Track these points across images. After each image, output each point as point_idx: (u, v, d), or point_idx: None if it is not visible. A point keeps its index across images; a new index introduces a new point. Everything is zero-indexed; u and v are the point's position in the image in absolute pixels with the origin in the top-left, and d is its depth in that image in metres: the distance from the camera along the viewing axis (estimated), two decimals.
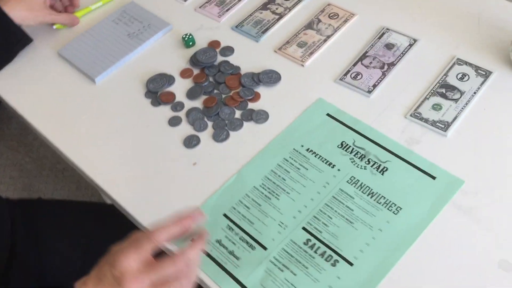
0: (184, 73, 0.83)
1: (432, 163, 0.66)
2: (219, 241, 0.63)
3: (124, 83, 0.83)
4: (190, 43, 0.86)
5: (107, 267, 0.51)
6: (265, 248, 0.62)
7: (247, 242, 0.63)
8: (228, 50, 0.85)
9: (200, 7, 0.93)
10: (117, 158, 0.74)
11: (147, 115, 0.78)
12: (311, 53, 0.82)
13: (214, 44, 0.86)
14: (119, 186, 0.71)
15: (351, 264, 0.59)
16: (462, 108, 0.71)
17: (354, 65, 0.79)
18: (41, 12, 0.85)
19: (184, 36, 0.86)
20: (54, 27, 0.90)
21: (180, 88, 0.81)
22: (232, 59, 0.83)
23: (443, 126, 0.69)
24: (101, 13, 0.93)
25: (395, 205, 0.63)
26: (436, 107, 0.71)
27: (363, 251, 0.60)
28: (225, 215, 0.65)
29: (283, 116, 0.75)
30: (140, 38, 0.88)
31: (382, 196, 0.64)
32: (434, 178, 0.65)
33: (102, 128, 0.77)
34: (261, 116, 0.75)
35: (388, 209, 0.63)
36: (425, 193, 0.63)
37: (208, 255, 0.62)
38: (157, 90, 0.80)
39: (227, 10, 0.91)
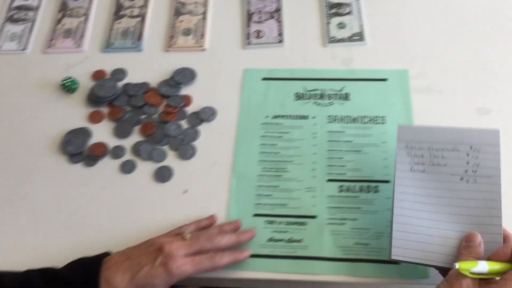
0: (94, 118, 0.72)
1: (374, 69, 0.73)
2: (271, 239, 0.61)
3: (34, 161, 0.68)
4: (75, 86, 0.75)
5: (143, 244, 0.56)
6: (314, 217, 0.62)
7: (295, 223, 0.62)
8: (120, 73, 0.76)
9: (48, 48, 0.80)
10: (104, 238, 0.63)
11: (92, 179, 0.67)
12: (202, 35, 0.79)
13: (100, 75, 0.76)
14: None
15: (388, 181, 0.63)
16: (359, 17, 0.78)
17: (248, 26, 0.79)
18: None
19: (63, 82, 0.74)
20: None
21: (103, 134, 0.71)
22: (132, 79, 0.76)
23: (358, 37, 0.76)
24: None
25: (378, 116, 0.68)
26: (341, 25, 0.78)
27: (388, 166, 0.64)
28: (256, 215, 0.62)
29: (227, 101, 0.72)
30: None
31: (363, 116, 0.69)
32: (385, 80, 0.72)
33: (53, 222, 0.64)
34: (208, 113, 0.71)
35: (375, 123, 0.68)
36: (389, 94, 0.70)
37: (277, 256, 0.59)
38: (80, 149, 0.69)
39: (81, 37, 0.81)
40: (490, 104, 0.69)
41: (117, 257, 0.54)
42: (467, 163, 0.55)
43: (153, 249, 0.54)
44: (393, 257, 0.54)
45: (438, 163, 0.55)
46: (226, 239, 0.57)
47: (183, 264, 0.53)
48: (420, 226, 0.54)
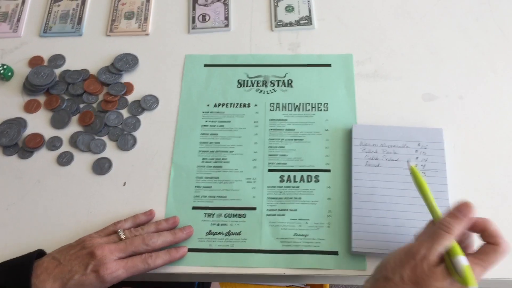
0: (30, 107, 0.70)
1: (319, 55, 0.71)
2: (209, 233, 0.60)
3: None
4: (9, 74, 0.71)
5: (75, 246, 0.54)
6: (254, 209, 0.61)
7: (234, 215, 0.61)
8: (58, 59, 0.73)
9: None
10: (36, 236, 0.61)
11: (27, 172, 0.65)
12: (146, 19, 0.76)
13: (36, 62, 0.73)
14: None
15: (328, 171, 0.62)
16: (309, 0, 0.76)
17: (194, 9, 0.77)
18: None
19: None
20: None
21: (39, 124, 0.68)
22: (70, 65, 0.73)
23: (306, 21, 0.74)
24: None
25: (321, 103, 0.67)
26: (289, 9, 0.75)
27: (329, 155, 0.64)
28: (194, 208, 0.61)
29: (169, 88, 0.70)
30: None
31: (306, 103, 0.67)
32: (329, 65, 0.70)
33: None
34: (150, 102, 0.69)
35: (318, 110, 0.67)
36: (333, 80, 0.69)
37: (215, 250, 0.58)
38: (15, 140, 0.66)
39: (18, 21, 0.77)
40: (435, 90, 0.68)
41: (48, 262, 0.53)
42: (417, 158, 0.60)
43: (85, 253, 0.53)
44: (354, 250, 0.56)
45: (391, 158, 0.60)
46: (162, 240, 0.56)
47: (116, 270, 0.52)
48: (377, 217, 0.57)
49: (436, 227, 0.45)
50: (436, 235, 0.44)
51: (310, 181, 0.62)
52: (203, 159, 0.64)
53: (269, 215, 0.60)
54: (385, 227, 0.57)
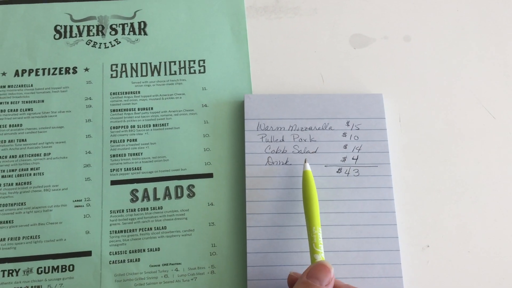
0: None
1: None
2: None
3: None
4: None
5: None
6: (88, 254, 0.36)
7: (55, 269, 0.36)
8: None
9: None
10: None
11: None
12: None
13: None
14: None
15: (210, 175, 0.39)
16: None
17: None
18: None
19: None
20: None
21: None
22: None
23: None
24: None
25: (194, 61, 0.42)
26: None
27: (210, 149, 0.39)
28: None
29: None
30: None
31: (170, 61, 0.42)
32: None
33: None
34: None
35: (191, 73, 0.41)
36: (212, 19, 0.43)
37: None
38: None
39: None
40: (367, 31, 0.45)
41: None
42: (345, 147, 0.38)
43: None
44: None
45: (306, 149, 0.38)
46: None
47: None
48: (284, 251, 0.35)
49: None
50: None
51: (180, 196, 0.38)
52: None
53: (114, 262, 0.36)
54: (298, 267, 0.35)
